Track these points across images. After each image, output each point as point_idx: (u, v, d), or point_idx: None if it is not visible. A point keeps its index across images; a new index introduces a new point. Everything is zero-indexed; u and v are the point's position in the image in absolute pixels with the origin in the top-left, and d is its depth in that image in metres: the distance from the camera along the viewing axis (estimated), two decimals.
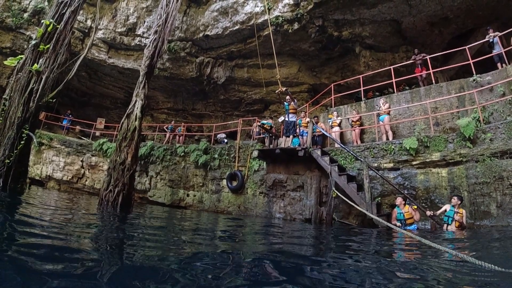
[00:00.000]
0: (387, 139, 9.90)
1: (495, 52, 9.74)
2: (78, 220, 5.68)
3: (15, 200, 7.46)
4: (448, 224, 6.92)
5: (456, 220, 6.80)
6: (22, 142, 9.56)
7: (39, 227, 4.09)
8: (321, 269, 3.19)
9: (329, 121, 11.83)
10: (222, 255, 3.58)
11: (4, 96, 10.01)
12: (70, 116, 18.87)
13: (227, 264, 3.11)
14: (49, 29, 10.65)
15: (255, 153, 10.96)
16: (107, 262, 2.75)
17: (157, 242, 4.16)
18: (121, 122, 10.03)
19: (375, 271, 3.15)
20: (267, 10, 13.44)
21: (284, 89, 10.82)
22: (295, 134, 11.02)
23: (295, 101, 11.35)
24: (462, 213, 6.88)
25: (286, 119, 10.99)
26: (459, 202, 6.95)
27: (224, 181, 12.51)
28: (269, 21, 13.33)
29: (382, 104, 10.60)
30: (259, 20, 13.95)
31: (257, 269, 2.95)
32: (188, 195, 13.46)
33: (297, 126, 11.10)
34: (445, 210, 7.08)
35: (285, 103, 11.28)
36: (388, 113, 10.35)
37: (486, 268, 2.50)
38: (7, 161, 9.19)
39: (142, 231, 4.77)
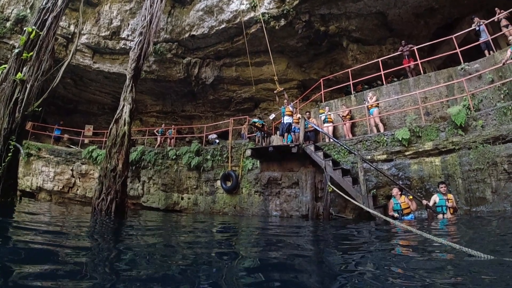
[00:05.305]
0: (378, 131, 9.92)
1: (482, 39, 9.82)
2: (70, 232, 5.51)
3: (6, 216, 7.22)
4: (443, 213, 6.95)
5: (449, 207, 6.88)
6: (10, 154, 9.28)
7: (31, 248, 3.94)
8: (322, 271, 3.14)
9: (321, 116, 11.81)
10: (220, 260, 3.49)
11: None
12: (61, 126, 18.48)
13: (225, 269, 3.03)
14: (31, 36, 10.37)
15: (248, 152, 10.87)
16: (102, 279, 2.64)
17: (152, 254, 4.05)
18: (110, 128, 9.83)
19: (379, 269, 3.10)
20: (257, 5, 13.37)
21: (281, 89, 11.23)
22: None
23: (292, 104, 11.56)
24: (451, 198, 7.01)
25: (282, 121, 11.23)
26: (446, 188, 7.07)
27: (218, 182, 12.39)
28: (261, 16, 13.26)
29: (370, 98, 10.63)
30: (245, 18, 13.84)
31: (256, 275, 2.87)
32: (182, 199, 13.30)
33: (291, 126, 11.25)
34: (435, 202, 7.12)
35: (282, 107, 11.48)
36: (377, 106, 10.38)
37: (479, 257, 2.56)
38: None
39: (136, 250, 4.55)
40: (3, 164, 9.11)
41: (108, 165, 9.12)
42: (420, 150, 8.44)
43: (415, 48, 11.35)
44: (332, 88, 13.77)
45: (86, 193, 14.84)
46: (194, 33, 15.10)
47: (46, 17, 10.92)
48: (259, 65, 16.10)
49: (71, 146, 17.26)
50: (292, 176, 10.43)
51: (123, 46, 16.08)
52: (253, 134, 13.99)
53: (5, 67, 10.24)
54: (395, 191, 7.66)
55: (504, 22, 9.64)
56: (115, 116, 9.90)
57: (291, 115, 11.20)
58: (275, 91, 11.42)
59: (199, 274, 2.73)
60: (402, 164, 8.63)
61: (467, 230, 5.69)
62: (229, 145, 12.71)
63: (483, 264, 2.87)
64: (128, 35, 15.88)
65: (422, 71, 10.91)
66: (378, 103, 10.45)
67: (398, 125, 9.92)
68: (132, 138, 11.41)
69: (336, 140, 10.06)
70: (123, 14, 15.99)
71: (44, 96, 10.43)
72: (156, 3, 11.60)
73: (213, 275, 2.76)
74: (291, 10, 13.25)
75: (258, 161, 11.46)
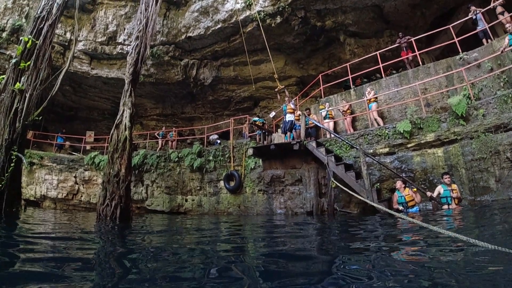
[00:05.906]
0: (378, 125, 9.91)
1: (479, 28, 9.78)
2: (76, 238, 5.53)
3: (12, 225, 7.24)
4: (448, 204, 6.93)
5: (454, 198, 6.87)
6: (12, 165, 9.31)
7: (36, 258, 3.94)
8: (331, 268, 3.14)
9: (321, 112, 11.80)
10: (227, 261, 3.50)
11: None
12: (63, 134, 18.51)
13: (236, 272, 3.04)
14: (28, 45, 10.39)
15: (250, 151, 10.89)
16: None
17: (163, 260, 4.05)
18: (111, 133, 9.84)
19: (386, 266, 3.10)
20: (252, 3, 13.35)
21: (282, 87, 11.38)
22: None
23: (293, 101, 11.59)
24: (456, 189, 7.00)
25: (284, 119, 11.29)
26: (450, 178, 7.06)
27: (222, 182, 12.41)
28: (256, 14, 13.24)
29: (368, 93, 10.62)
30: (241, 17, 13.81)
31: (261, 276, 2.87)
32: (186, 200, 13.33)
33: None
34: (439, 193, 7.10)
35: (283, 105, 11.56)
36: (376, 101, 10.36)
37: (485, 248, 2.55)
38: None
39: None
40: (6, 174, 9.15)
41: (111, 170, 9.13)
42: (422, 141, 8.42)
43: (412, 39, 11.31)
44: (331, 84, 13.73)
45: (90, 199, 14.88)
46: (190, 34, 15.07)
47: (42, 25, 10.95)
48: (257, 63, 16.07)
49: (73, 153, 17.28)
50: (295, 173, 10.43)
51: (120, 51, 16.06)
52: (254, 133, 13.99)
53: (3, 78, 10.26)
54: (398, 184, 7.66)
55: (499, 9, 9.58)
56: (116, 121, 9.90)
57: (293, 113, 11.17)
58: (276, 89, 11.50)
59: (208, 277, 2.74)
60: (404, 157, 8.62)
61: (473, 220, 5.69)
62: (230, 145, 12.72)
63: (490, 254, 2.87)
64: (124, 40, 15.86)
65: (420, 62, 10.89)
66: (376, 98, 10.42)
67: (399, 117, 9.89)
68: (133, 142, 11.41)
69: (337, 135, 10.05)
70: (119, 19, 15.97)
71: (44, 105, 10.47)
72: (151, 6, 11.59)
73: (221, 276, 2.76)
74: (287, 6, 13.21)
75: (261, 160, 11.47)
